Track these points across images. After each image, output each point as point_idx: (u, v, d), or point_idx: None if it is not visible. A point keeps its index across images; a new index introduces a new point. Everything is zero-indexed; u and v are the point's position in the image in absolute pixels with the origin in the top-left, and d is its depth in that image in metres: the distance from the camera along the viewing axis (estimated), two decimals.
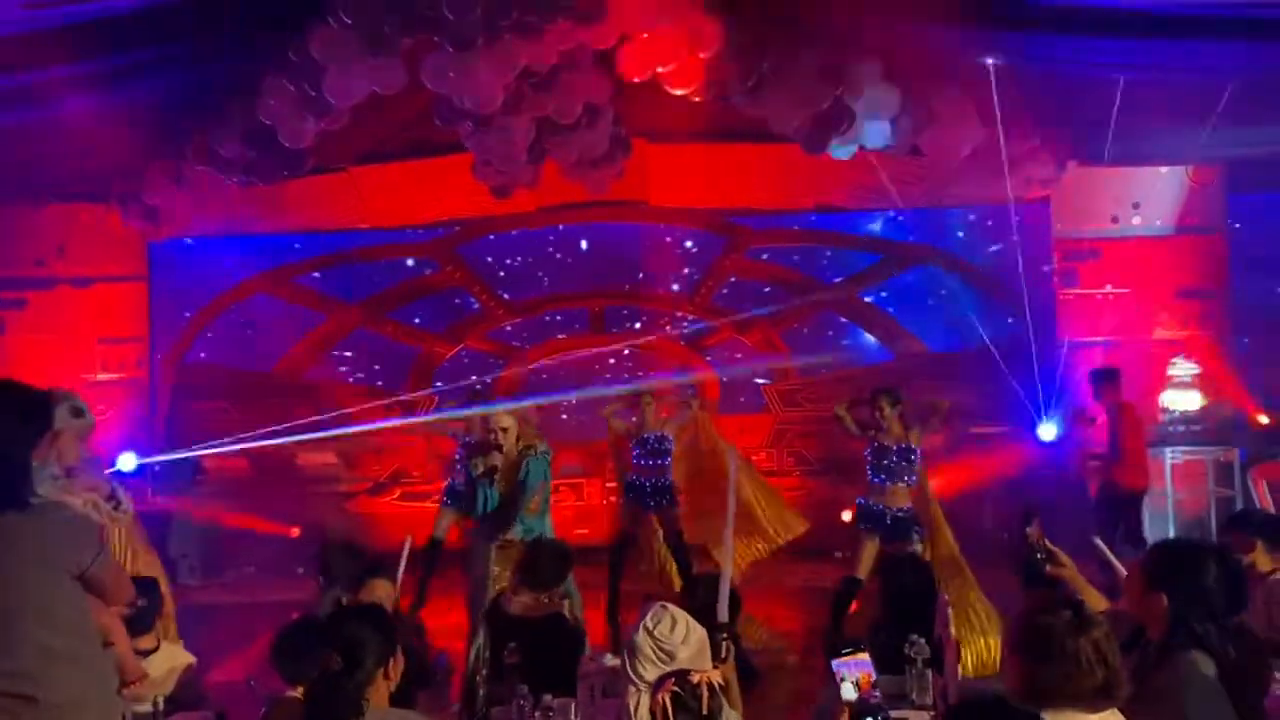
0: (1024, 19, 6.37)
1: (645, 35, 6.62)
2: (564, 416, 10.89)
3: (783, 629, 8.00)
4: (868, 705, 2.29)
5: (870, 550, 6.90)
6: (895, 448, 7.00)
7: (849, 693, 2.31)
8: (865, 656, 2.33)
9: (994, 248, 10.92)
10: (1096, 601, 3.42)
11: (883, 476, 7.02)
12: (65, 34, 6.05)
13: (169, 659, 4.35)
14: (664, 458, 8.18)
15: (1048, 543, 3.78)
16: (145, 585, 4.16)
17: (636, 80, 7.16)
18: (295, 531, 10.47)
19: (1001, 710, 1.84)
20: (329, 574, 4.49)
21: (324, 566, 4.49)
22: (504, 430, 6.08)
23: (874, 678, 2.33)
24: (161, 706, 4.19)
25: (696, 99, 7.92)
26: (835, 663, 2.32)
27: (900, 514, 6.95)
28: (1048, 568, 3.63)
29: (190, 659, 4.48)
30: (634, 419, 8.35)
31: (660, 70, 7.03)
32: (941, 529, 6.85)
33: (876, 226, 11.26)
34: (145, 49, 6.44)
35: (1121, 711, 2.52)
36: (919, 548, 6.81)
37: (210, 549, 10.65)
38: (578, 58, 7.02)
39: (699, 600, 3.72)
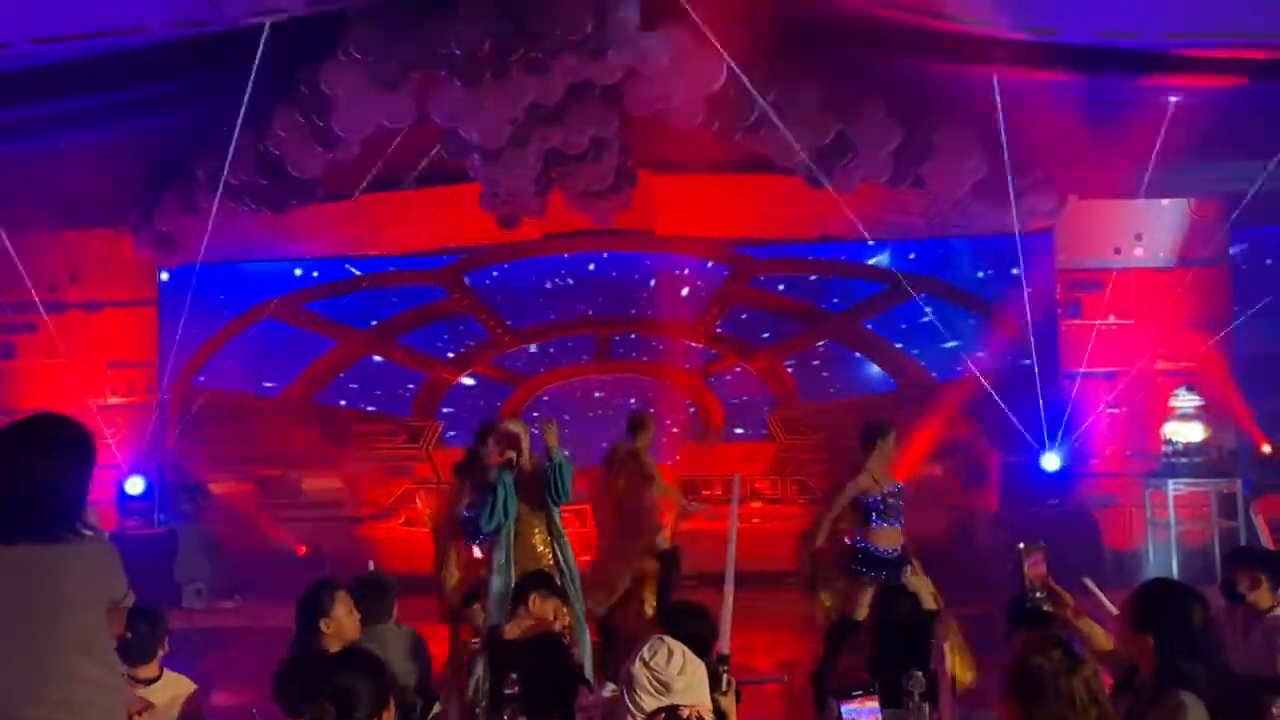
0: (1021, 55, 6.45)
1: (649, 72, 6.70)
2: (568, 453, 10.92)
3: (783, 658, 7.99)
4: None
5: (867, 594, 6.66)
6: (889, 489, 6.72)
7: None
8: (874, 702, 2.35)
9: (997, 278, 10.98)
10: (1104, 642, 3.38)
11: (878, 519, 6.68)
12: (78, 67, 6.17)
13: (172, 687, 4.38)
14: None
15: (1051, 581, 3.51)
16: (149, 614, 4.21)
17: (642, 114, 7.26)
18: (302, 550, 10.49)
19: None
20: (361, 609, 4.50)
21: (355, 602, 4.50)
22: (517, 436, 6.01)
23: None
24: None
25: (701, 132, 8.03)
26: (845, 707, 2.33)
27: (894, 554, 6.60)
28: (1045, 607, 3.51)
29: (193, 687, 4.51)
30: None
31: (663, 107, 7.12)
32: None
33: (881, 257, 11.33)
34: (159, 83, 6.57)
35: None
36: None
37: (217, 573, 10.68)
38: (585, 92, 7.12)
39: (682, 630, 3.74)
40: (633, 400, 11.21)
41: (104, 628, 2.95)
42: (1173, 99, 7.59)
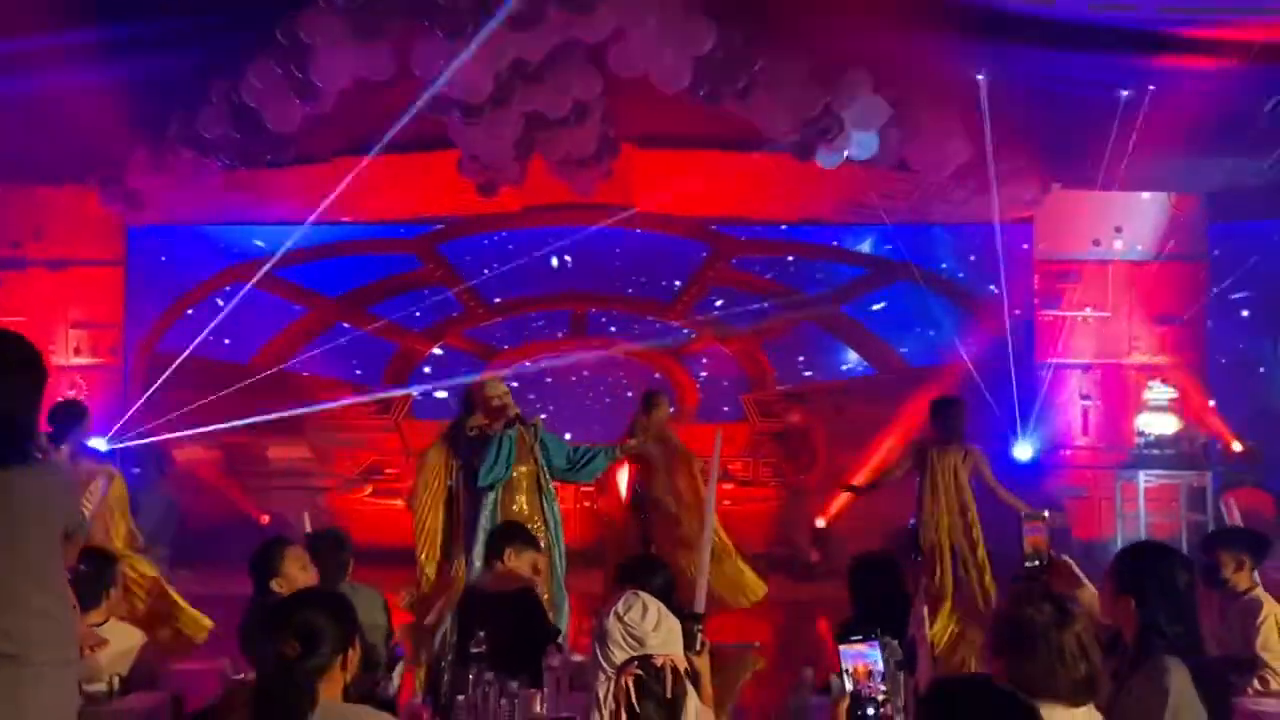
0: (1013, 31, 6.38)
1: (637, 32, 6.57)
2: (543, 416, 10.82)
3: (754, 640, 7.92)
4: (866, 697, 2.22)
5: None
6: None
7: (846, 684, 2.24)
8: (872, 648, 2.26)
9: (976, 267, 10.97)
10: (1091, 603, 3.33)
11: None
12: (39, 5, 5.95)
13: (122, 638, 4.24)
14: None
15: (1052, 552, 3.47)
16: (98, 555, 4.07)
17: (627, 77, 7.12)
18: (265, 519, 10.31)
19: (989, 691, 1.79)
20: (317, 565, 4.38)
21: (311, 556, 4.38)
22: (506, 395, 5.96)
23: (872, 669, 2.26)
24: (116, 686, 4.09)
25: (686, 104, 7.92)
26: (843, 649, 2.24)
27: None
28: (1041, 577, 3.44)
29: (142, 638, 4.37)
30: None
31: (650, 68, 7.00)
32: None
33: (863, 245, 11.27)
34: (128, 24, 6.35)
35: (1099, 710, 2.48)
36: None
37: (179, 539, 10.48)
38: (569, 52, 6.98)
39: (655, 588, 3.65)
40: (609, 378, 11.13)
41: (56, 557, 2.82)
42: (1152, 88, 7.58)
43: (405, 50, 6.84)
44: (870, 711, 2.20)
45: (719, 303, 11.32)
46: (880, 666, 2.25)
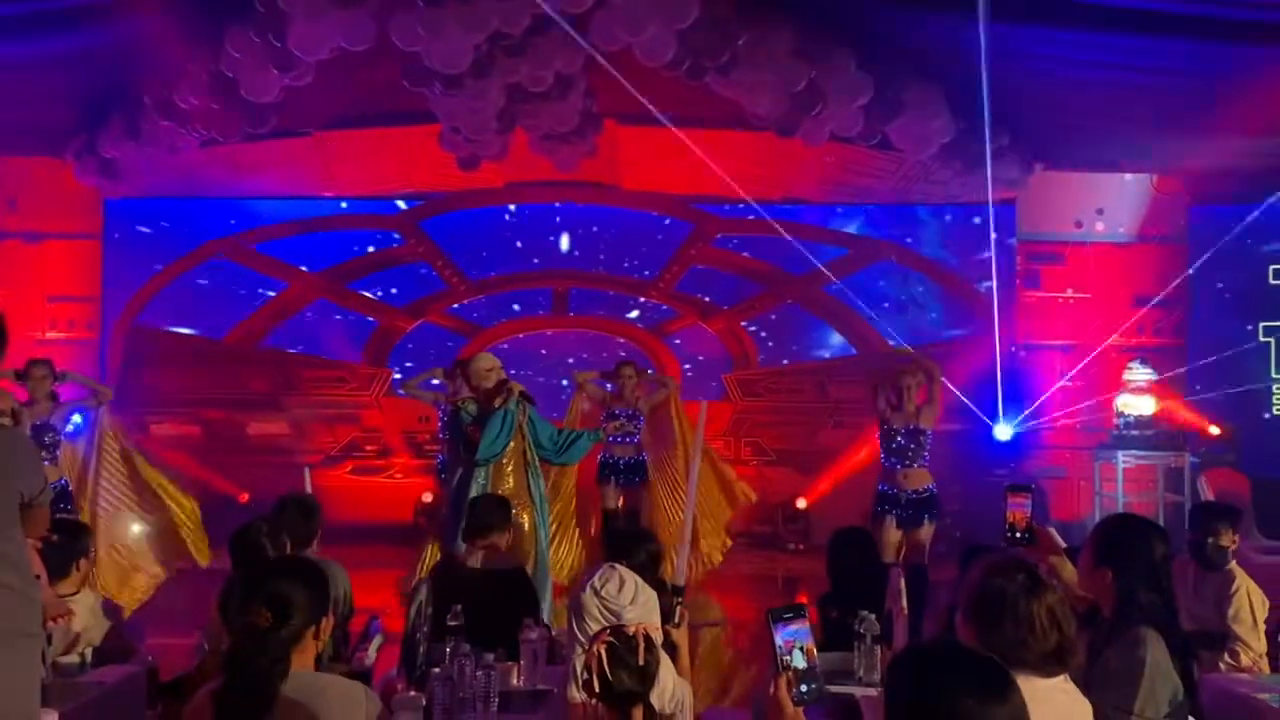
0: (996, 8, 6.35)
1: (620, 2, 6.50)
2: None
3: (735, 618, 7.95)
4: (808, 675, 2.20)
5: (891, 534, 6.68)
6: (904, 429, 6.77)
7: (799, 660, 2.22)
8: (805, 625, 2.23)
9: (959, 247, 10.98)
10: (1071, 578, 3.34)
11: (893, 460, 6.82)
12: None
13: (94, 610, 4.20)
14: (634, 436, 8.05)
15: (1034, 525, 3.46)
16: (70, 526, 4.02)
17: (610, 49, 7.06)
18: (245, 497, 10.24)
19: (962, 654, 1.78)
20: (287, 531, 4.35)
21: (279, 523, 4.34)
22: (498, 369, 5.93)
23: (804, 644, 2.23)
24: (89, 658, 4.06)
25: (670, 81, 7.86)
26: (778, 625, 2.21)
27: (916, 495, 6.74)
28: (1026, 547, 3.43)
29: (106, 611, 4.33)
30: (610, 389, 8.21)
31: (633, 40, 6.93)
32: None
33: (851, 226, 11.25)
34: None
35: (1075, 683, 2.48)
36: (929, 529, 6.70)
37: None
38: (551, 23, 6.91)
39: (639, 562, 3.64)
40: (585, 355, 11.09)
41: (14, 525, 2.76)
42: (1136, 67, 7.57)
43: (384, 19, 6.74)
44: (803, 689, 2.18)
45: (702, 280, 11.29)
46: (810, 641, 2.22)
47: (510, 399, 5.76)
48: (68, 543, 4.06)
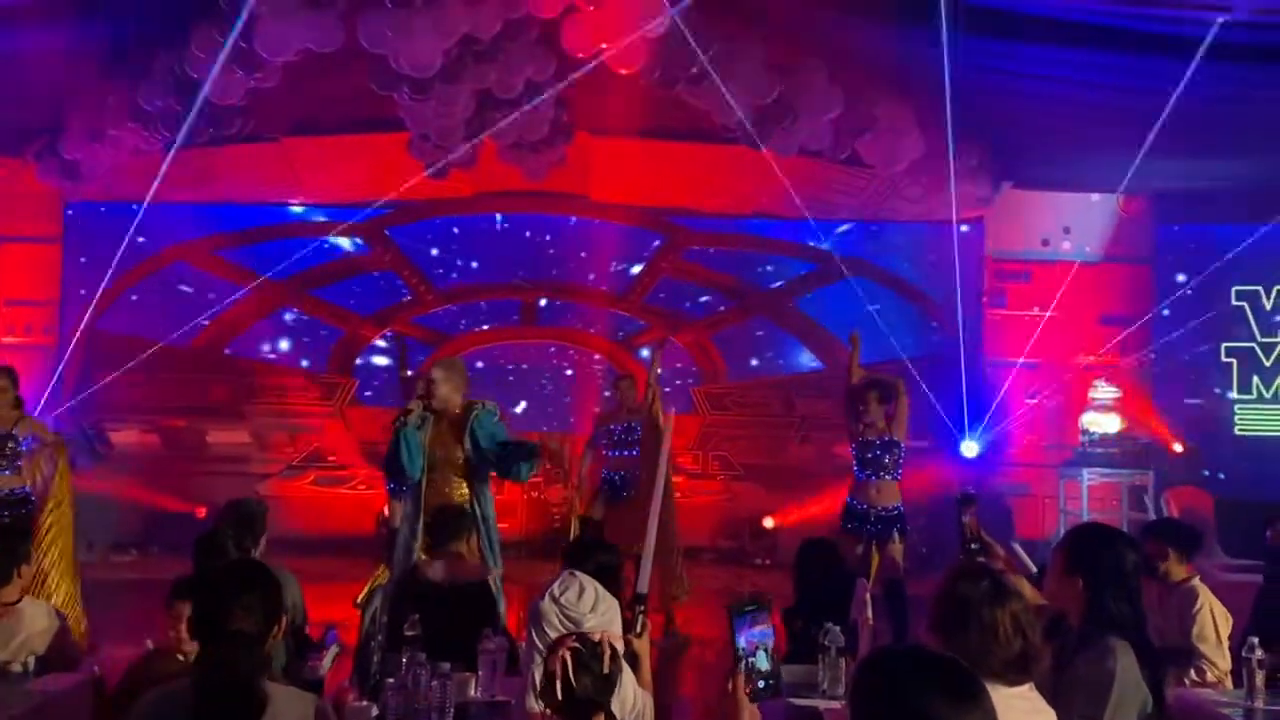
0: (968, 25, 6.38)
1: (592, 8, 6.46)
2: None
3: (704, 635, 7.86)
4: (765, 672, 2.16)
5: (858, 550, 6.71)
6: (879, 440, 6.80)
7: (763, 662, 2.17)
8: (767, 626, 2.19)
9: (926, 264, 11.03)
10: (1031, 596, 3.36)
11: (868, 471, 6.82)
12: None
13: (37, 618, 4.07)
14: (633, 449, 7.84)
15: (983, 534, 3.76)
16: (11, 533, 3.90)
17: (580, 56, 7.02)
18: (202, 511, 10.06)
19: (929, 658, 1.73)
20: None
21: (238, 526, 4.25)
22: (432, 381, 5.47)
23: (765, 644, 2.20)
24: (32, 667, 3.94)
25: (641, 93, 7.83)
26: (740, 622, 2.17)
27: (885, 512, 6.76)
28: (979, 559, 3.55)
29: (57, 622, 4.20)
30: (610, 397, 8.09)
31: (605, 47, 6.90)
32: None
33: (823, 244, 11.27)
34: None
35: (1040, 691, 2.44)
36: (900, 545, 6.69)
37: (112, 526, 10.20)
38: (522, 30, 6.86)
39: (591, 563, 3.58)
40: (556, 365, 11.03)
41: None
42: (1106, 86, 7.64)
43: (352, 21, 6.66)
44: (760, 685, 2.13)
45: (671, 293, 11.27)
46: (770, 640, 2.18)
47: (409, 415, 5.37)
48: (8, 549, 3.94)
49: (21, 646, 3.93)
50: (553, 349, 11.23)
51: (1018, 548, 4.79)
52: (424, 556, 4.71)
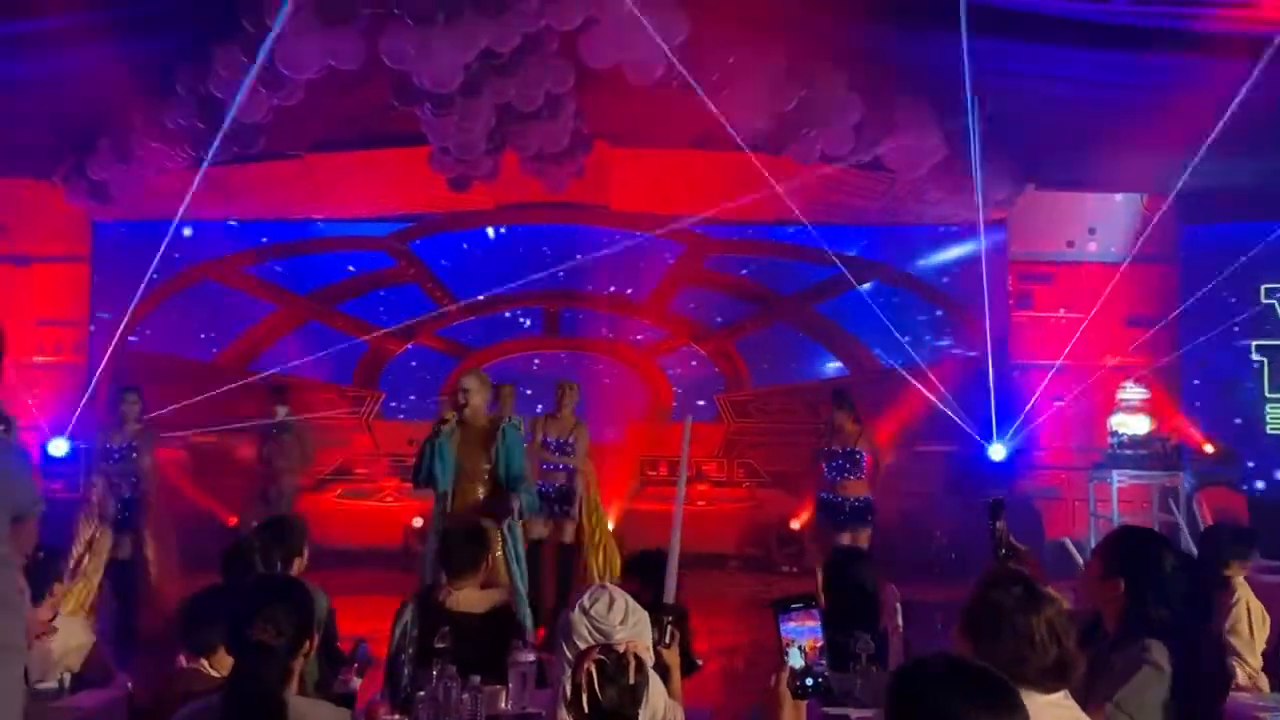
0: (988, 28, 6.35)
1: (611, 19, 6.48)
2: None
3: (728, 643, 7.83)
4: (811, 669, 2.14)
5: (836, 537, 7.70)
6: (841, 450, 7.95)
7: (795, 659, 2.16)
8: (815, 623, 2.17)
9: (951, 267, 10.97)
10: (1061, 603, 3.34)
11: (834, 474, 7.97)
12: None
13: (72, 634, 4.11)
14: (566, 464, 7.94)
15: (1012, 539, 3.74)
16: (48, 548, 3.93)
17: (599, 67, 7.04)
18: (234, 520, 10.13)
19: (963, 667, 1.71)
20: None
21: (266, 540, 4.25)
22: (466, 391, 5.63)
23: (820, 643, 2.18)
24: (68, 684, 3.98)
25: (660, 102, 7.84)
26: (784, 618, 2.16)
27: (857, 502, 7.89)
28: (1010, 564, 3.52)
29: (92, 638, 4.24)
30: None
31: (623, 59, 6.91)
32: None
33: (850, 250, 11.23)
34: (92, 11, 6.20)
35: (1075, 698, 2.42)
36: (868, 532, 7.54)
37: None
38: (541, 43, 6.89)
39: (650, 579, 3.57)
40: (583, 375, 11.01)
41: (4, 539, 2.68)
42: (1128, 86, 7.58)
43: (374, 38, 6.71)
44: (809, 682, 2.12)
45: (693, 301, 11.27)
46: (806, 638, 2.17)
47: (445, 424, 5.53)
48: (46, 563, 3.98)
49: (57, 664, 3.97)
50: (576, 358, 11.23)
51: (1070, 545, 4.81)
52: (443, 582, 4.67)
